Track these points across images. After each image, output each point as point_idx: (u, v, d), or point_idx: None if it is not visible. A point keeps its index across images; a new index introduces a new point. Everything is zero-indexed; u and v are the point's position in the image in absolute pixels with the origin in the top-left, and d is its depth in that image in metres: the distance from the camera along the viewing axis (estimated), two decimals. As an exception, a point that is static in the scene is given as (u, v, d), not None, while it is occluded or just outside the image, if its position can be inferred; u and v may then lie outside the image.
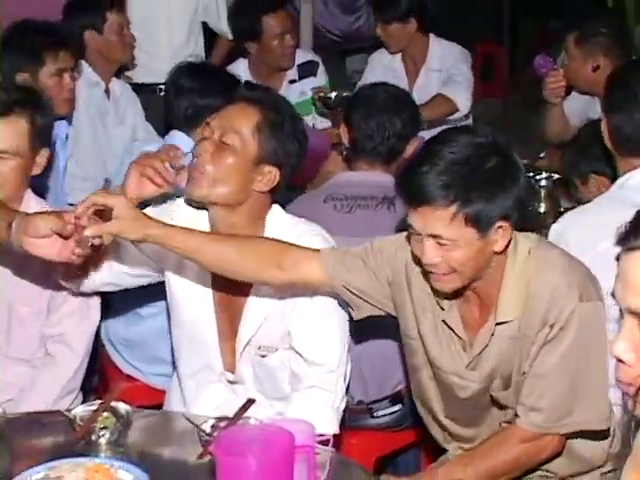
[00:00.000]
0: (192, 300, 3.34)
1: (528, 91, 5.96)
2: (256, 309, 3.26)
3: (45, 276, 3.49)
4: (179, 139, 4.20)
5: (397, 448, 3.96)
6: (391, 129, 3.94)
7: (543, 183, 4.76)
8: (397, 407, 3.85)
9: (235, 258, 3.10)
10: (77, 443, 2.96)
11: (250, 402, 3.01)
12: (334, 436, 2.95)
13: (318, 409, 3.17)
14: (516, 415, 3.01)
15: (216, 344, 3.34)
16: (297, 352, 3.24)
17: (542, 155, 5.16)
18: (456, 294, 2.98)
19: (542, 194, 4.73)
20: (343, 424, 3.31)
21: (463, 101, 5.44)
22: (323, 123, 5.62)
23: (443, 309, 3.03)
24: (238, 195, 3.18)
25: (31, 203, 3.52)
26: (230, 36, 6.16)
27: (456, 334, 3.03)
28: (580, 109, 5.17)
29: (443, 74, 5.59)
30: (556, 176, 4.81)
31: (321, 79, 5.64)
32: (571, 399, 2.93)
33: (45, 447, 3.05)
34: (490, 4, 9.82)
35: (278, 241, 3.16)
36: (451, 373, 3.07)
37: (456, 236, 2.75)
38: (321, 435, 2.83)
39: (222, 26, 6.29)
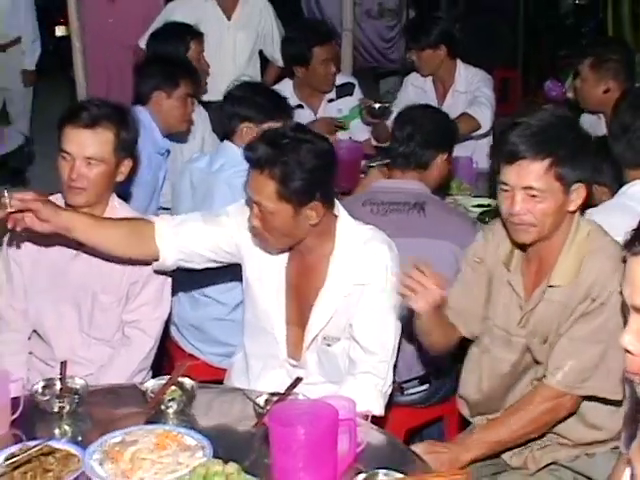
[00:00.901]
0: (266, 291, 3.34)
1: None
2: (327, 303, 3.24)
3: (124, 270, 3.51)
4: (226, 150, 4.22)
5: (424, 422, 3.97)
6: (416, 140, 3.92)
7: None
8: (425, 387, 3.88)
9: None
10: (149, 412, 3.00)
11: (298, 380, 3.03)
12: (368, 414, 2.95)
13: (369, 392, 3.18)
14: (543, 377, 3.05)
15: (283, 335, 3.34)
16: (356, 341, 3.24)
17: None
18: (523, 249, 3.06)
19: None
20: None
21: (486, 120, 5.44)
22: (363, 134, 5.63)
23: (509, 271, 3.11)
24: (302, 236, 3.20)
25: (115, 205, 3.54)
26: (280, 64, 6.26)
27: (516, 292, 3.09)
28: (587, 127, 5.16)
29: (469, 95, 5.58)
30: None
31: (357, 98, 5.63)
32: (593, 366, 2.96)
33: (121, 415, 3.05)
34: (507, 35, 9.77)
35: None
36: (503, 329, 3.13)
37: (546, 187, 2.86)
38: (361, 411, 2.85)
39: (275, 55, 6.43)
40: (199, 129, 5.27)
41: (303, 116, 5.43)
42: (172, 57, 5.04)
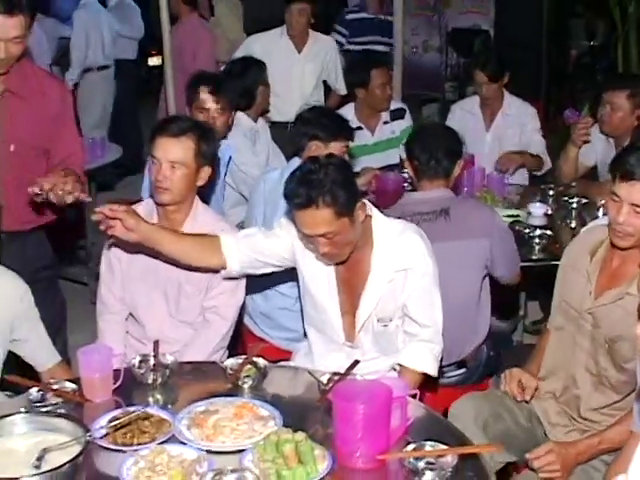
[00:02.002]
0: (320, 288, 3.34)
1: (559, 136, 5.89)
2: (373, 290, 3.24)
3: None
4: (297, 163, 4.20)
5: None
6: (440, 151, 3.88)
7: (574, 205, 4.72)
8: (462, 370, 3.87)
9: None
10: (228, 386, 3.01)
11: (356, 362, 3.03)
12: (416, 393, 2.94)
13: (426, 356, 3.26)
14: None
15: (339, 323, 3.34)
16: (411, 318, 3.27)
17: (574, 184, 5.09)
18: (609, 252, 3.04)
19: (573, 213, 4.69)
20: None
21: (548, 164, 5.47)
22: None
23: (591, 262, 3.09)
24: (359, 238, 3.19)
25: (198, 206, 3.55)
26: (341, 92, 6.28)
27: (590, 282, 3.05)
28: (599, 151, 5.12)
29: (515, 119, 5.57)
30: (584, 200, 4.77)
31: (408, 121, 5.64)
32: None
33: (205, 388, 3.06)
34: (532, 70, 9.73)
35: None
36: (576, 310, 3.10)
37: None
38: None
39: (337, 85, 6.49)
40: (265, 145, 5.27)
41: (362, 136, 5.44)
42: None
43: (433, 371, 3.28)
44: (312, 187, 3.03)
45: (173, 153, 3.39)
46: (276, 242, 3.40)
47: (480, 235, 3.74)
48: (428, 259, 3.24)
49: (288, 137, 4.39)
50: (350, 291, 3.31)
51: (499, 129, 5.59)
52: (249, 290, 3.81)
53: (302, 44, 6.38)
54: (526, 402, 3.20)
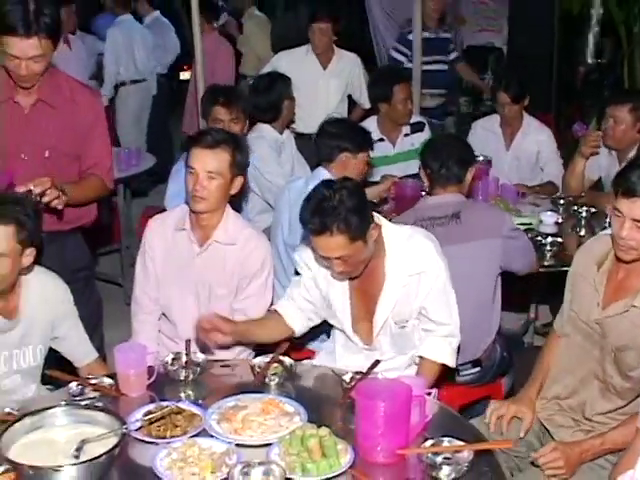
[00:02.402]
0: (335, 299, 3.33)
1: (567, 148, 5.87)
2: (390, 294, 3.23)
3: (235, 268, 3.53)
4: (320, 174, 4.20)
5: (474, 399, 3.93)
6: (451, 159, 3.87)
7: (584, 214, 4.69)
8: (477, 369, 3.84)
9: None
10: (255, 383, 3.02)
11: (377, 362, 3.02)
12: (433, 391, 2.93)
13: (444, 349, 3.30)
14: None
15: (350, 330, 3.34)
16: (431, 320, 3.27)
17: (583, 194, 5.06)
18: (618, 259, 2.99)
19: (582, 222, 4.67)
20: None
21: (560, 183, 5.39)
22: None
23: (598, 271, 3.04)
24: (371, 254, 3.17)
25: (229, 214, 3.56)
26: (365, 106, 6.28)
27: (598, 292, 3.01)
28: (603, 165, 5.10)
29: (533, 139, 5.55)
30: (593, 210, 4.74)
31: (427, 134, 5.60)
32: None
33: (234, 384, 3.08)
34: (543, 86, 9.69)
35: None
36: (584, 322, 3.04)
37: None
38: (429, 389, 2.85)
39: (361, 99, 6.46)
40: (290, 156, 5.27)
41: (384, 148, 5.45)
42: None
43: (451, 362, 3.30)
44: (326, 214, 3.00)
45: (210, 164, 3.40)
46: (308, 286, 3.40)
47: (491, 235, 3.72)
48: (439, 260, 3.23)
49: (314, 148, 4.37)
50: (366, 299, 3.29)
51: (518, 148, 5.58)
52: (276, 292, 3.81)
53: (327, 61, 6.37)
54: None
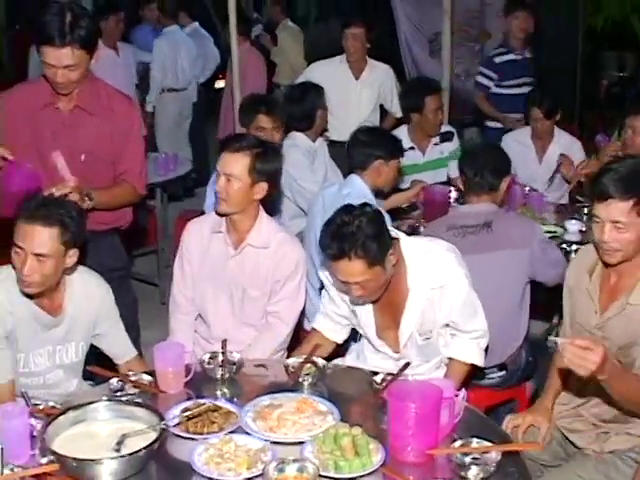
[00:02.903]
0: (360, 311, 3.32)
1: (590, 159, 5.83)
2: (414, 307, 3.20)
3: (268, 271, 3.53)
4: (354, 181, 4.22)
5: (500, 401, 3.92)
6: (486, 168, 3.87)
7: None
8: (502, 373, 3.82)
9: None
10: (289, 383, 3.02)
11: (407, 364, 3.01)
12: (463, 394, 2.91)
13: (473, 349, 3.29)
14: None
15: (377, 341, 3.33)
16: (460, 330, 3.26)
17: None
18: (606, 265, 2.97)
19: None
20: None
21: None
22: (456, 173, 5.55)
23: (590, 280, 3.03)
24: (390, 277, 3.15)
25: (263, 218, 3.56)
26: (397, 115, 6.26)
27: (593, 300, 3.00)
28: None
29: (564, 149, 5.49)
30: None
31: (455, 144, 5.60)
32: None
33: (268, 383, 3.09)
34: (567, 98, 9.63)
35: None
36: (586, 330, 3.01)
37: (629, 221, 2.79)
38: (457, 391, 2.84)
39: (393, 108, 6.42)
40: (323, 163, 5.27)
41: (414, 156, 5.43)
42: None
43: (480, 362, 3.29)
44: (344, 240, 2.97)
45: (229, 167, 3.42)
46: (337, 302, 3.40)
47: (520, 246, 3.71)
48: (460, 270, 3.19)
49: (347, 156, 4.37)
50: (391, 310, 3.26)
51: (550, 160, 5.53)
52: (309, 297, 3.82)
53: (359, 71, 6.34)
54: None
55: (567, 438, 3.10)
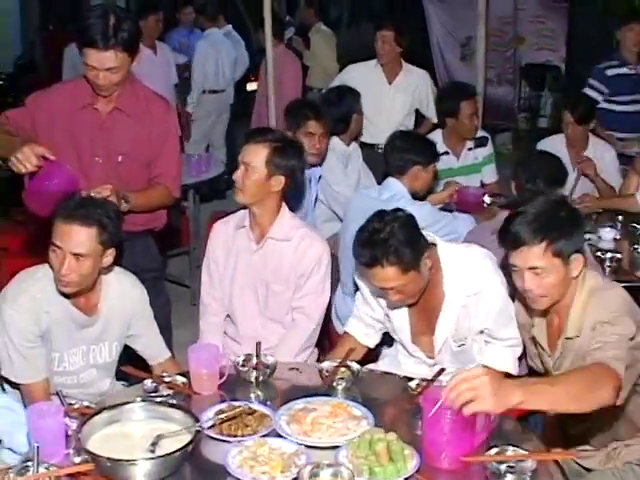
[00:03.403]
0: (395, 316, 3.32)
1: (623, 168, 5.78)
2: (449, 313, 3.20)
3: (292, 265, 3.53)
4: (392, 184, 4.21)
5: (530, 411, 3.87)
6: (540, 177, 3.86)
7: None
8: (534, 380, 3.79)
9: None
10: (323, 387, 3.00)
11: (442, 370, 2.99)
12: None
13: (507, 357, 3.24)
14: None
15: (411, 346, 3.32)
16: (494, 337, 3.24)
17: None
18: (544, 313, 2.92)
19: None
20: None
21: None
22: (492, 177, 5.61)
23: (533, 326, 3.00)
24: (427, 280, 3.14)
25: (285, 213, 3.58)
26: (433, 120, 6.23)
27: (541, 346, 2.98)
28: None
29: (598, 160, 5.42)
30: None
31: (489, 149, 5.58)
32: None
33: (302, 387, 3.07)
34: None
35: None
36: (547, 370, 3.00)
37: (547, 265, 2.74)
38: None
39: (429, 113, 6.38)
40: (356, 167, 5.26)
41: (448, 161, 5.39)
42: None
43: (514, 370, 3.24)
44: (376, 247, 2.98)
45: (248, 157, 3.47)
46: (372, 305, 3.40)
47: None
48: (496, 278, 3.17)
49: (381, 159, 4.37)
50: (426, 315, 3.26)
51: (584, 169, 5.46)
52: (340, 295, 3.80)
53: (393, 76, 6.32)
54: None
55: (577, 463, 3.05)
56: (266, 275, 3.56)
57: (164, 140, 3.76)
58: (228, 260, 3.62)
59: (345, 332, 3.52)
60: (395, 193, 4.16)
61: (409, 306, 3.25)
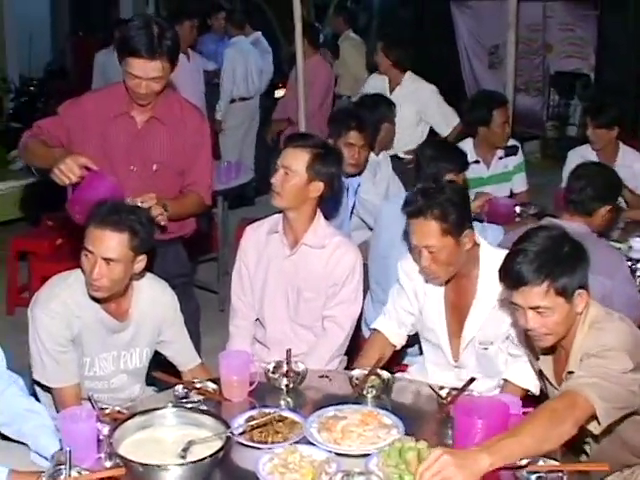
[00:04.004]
0: (430, 315, 3.33)
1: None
2: (477, 315, 3.21)
3: (324, 273, 3.54)
4: None
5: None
6: (590, 188, 3.81)
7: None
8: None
9: None
10: (353, 395, 3.01)
11: (472, 380, 2.98)
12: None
13: (530, 375, 3.13)
14: None
15: (446, 341, 3.32)
16: (515, 344, 3.19)
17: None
18: (550, 348, 2.86)
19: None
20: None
21: None
22: (522, 186, 5.59)
23: (538, 359, 2.97)
24: (462, 263, 3.17)
25: (320, 220, 3.59)
26: (444, 134, 6.28)
27: (549, 381, 2.95)
28: None
29: (629, 169, 5.36)
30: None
31: (520, 158, 5.57)
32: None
33: (331, 394, 3.07)
34: (630, 113, 9.49)
35: None
36: None
37: (550, 304, 2.66)
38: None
39: (438, 129, 6.42)
40: (385, 176, 5.25)
41: (478, 170, 5.39)
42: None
43: (535, 389, 3.16)
44: (426, 198, 3.07)
45: (288, 160, 3.48)
46: (410, 297, 3.41)
47: (603, 274, 3.48)
48: None
49: (415, 169, 4.36)
50: (457, 314, 3.27)
51: None
52: (371, 303, 3.79)
53: (395, 84, 6.41)
54: None
55: None
56: (298, 281, 3.57)
57: (199, 150, 3.78)
58: (259, 265, 3.64)
59: (375, 330, 3.51)
60: None
61: (446, 306, 3.27)
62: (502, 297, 3.10)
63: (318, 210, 3.60)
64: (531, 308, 2.68)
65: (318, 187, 3.50)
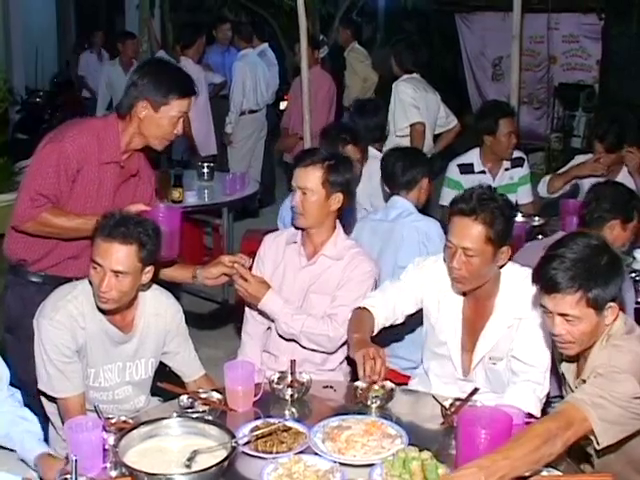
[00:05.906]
0: (445, 327, 3.32)
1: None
2: (492, 333, 3.21)
3: (334, 276, 3.55)
4: (397, 202, 4.28)
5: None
6: (601, 205, 3.85)
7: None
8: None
9: None
10: (357, 405, 3.01)
11: (476, 390, 2.99)
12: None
13: (528, 396, 3.11)
14: None
15: (458, 357, 3.31)
16: (518, 359, 3.18)
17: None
18: (574, 356, 2.88)
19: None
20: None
21: None
22: (527, 198, 5.60)
23: (561, 362, 3.00)
24: (489, 277, 3.18)
25: (340, 233, 3.61)
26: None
27: (569, 385, 2.96)
28: None
29: (631, 181, 5.37)
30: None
31: (526, 170, 5.57)
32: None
33: (336, 405, 3.10)
34: (633, 127, 9.47)
35: None
36: None
37: (580, 314, 2.67)
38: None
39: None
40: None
41: (484, 180, 5.24)
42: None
43: (536, 411, 3.11)
44: (481, 202, 3.08)
45: (303, 181, 3.50)
46: (407, 291, 3.42)
47: None
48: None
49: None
50: (472, 330, 3.27)
51: None
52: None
53: None
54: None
55: None
56: (311, 289, 3.59)
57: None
58: (276, 273, 3.65)
59: (364, 308, 3.42)
60: (402, 211, 4.22)
61: (463, 321, 3.27)
62: (519, 316, 3.15)
63: (337, 222, 3.63)
64: (560, 314, 2.70)
65: (338, 199, 3.53)
